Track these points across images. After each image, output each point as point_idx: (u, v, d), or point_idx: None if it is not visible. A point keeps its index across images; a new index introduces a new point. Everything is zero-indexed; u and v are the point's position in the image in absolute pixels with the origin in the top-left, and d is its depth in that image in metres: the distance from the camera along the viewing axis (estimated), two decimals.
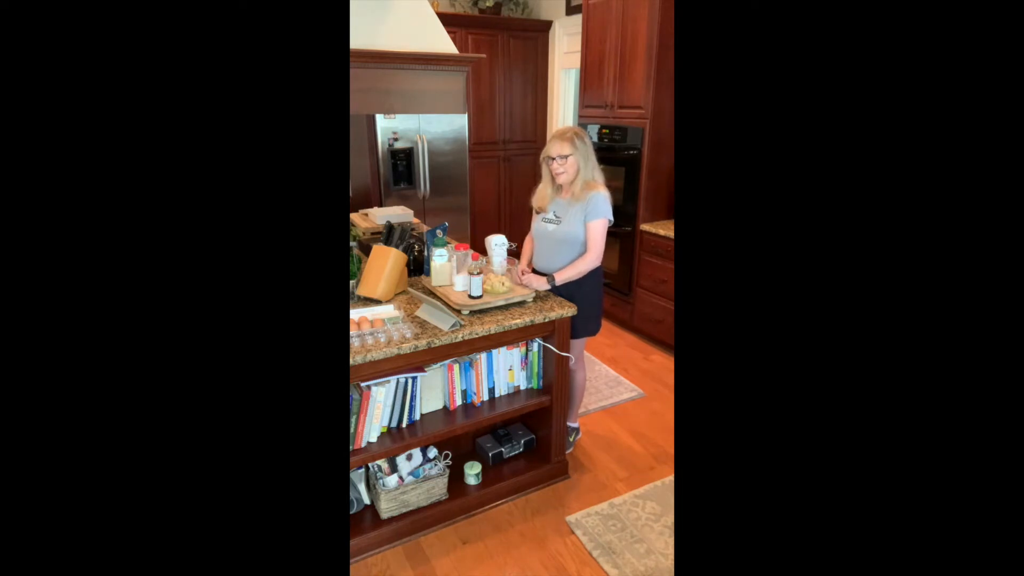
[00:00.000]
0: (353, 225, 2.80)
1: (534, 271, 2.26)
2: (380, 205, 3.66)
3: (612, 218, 2.11)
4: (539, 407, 2.19)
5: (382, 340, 1.75)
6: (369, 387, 1.82)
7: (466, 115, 3.89)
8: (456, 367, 2.03)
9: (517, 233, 4.10)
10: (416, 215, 3.28)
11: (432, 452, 2.11)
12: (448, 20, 4.20)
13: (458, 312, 1.96)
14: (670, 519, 2.08)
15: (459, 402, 2.09)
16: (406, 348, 1.74)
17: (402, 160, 3.75)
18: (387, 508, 1.97)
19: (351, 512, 1.99)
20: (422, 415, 2.01)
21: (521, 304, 2.07)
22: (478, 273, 1.98)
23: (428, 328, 1.87)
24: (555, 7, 4.83)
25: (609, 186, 2.18)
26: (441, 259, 2.10)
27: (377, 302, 2.07)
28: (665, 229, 3.33)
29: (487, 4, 4.76)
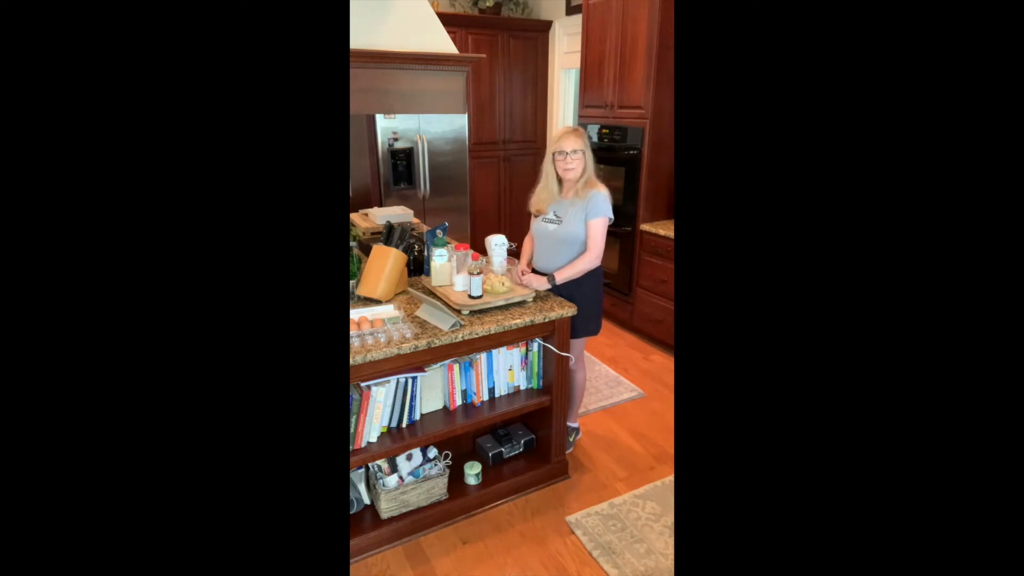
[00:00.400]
0: (353, 225, 2.80)
1: (534, 271, 2.26)
2: (380, 205, 3.66)
3: (612, 216, 2.12)
4: (539, 407, 2.19)
5: (382, 340, 1.75)
6: (369, 387, 1.82)
7: (466, 115, 3.89)
8: (456, 367, 2.03)
9: (517, 233, 4.09)
10: (416, 215, 3.28)
11: (432, 452, 2.11)
12: (448, 20, 4.20)
13: (458, 312, 1.96)
14: (670, 519, 2.08)
15: (459, 402, 2.09)
16: (406, 348, 1.74)
17: (402, 160, 3.75)
18: (387, 508, 1.97)
19: (351, 512, 1.99)
20: (422, 415, 2.01)
21: (521, 304, 2.07)
22: (478, 273, 1.98)
23: (428, 328, 1.87)
24: (555, 7, 4.82)
25: (609, 186, 2.18)
26: (441, 259, 2.10)
27: (377, 302, 2.07)
28: (665, 229, 3.33)
29: (487, 4, 4.76)
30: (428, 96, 3.65)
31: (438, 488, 2.05)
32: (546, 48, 4.96)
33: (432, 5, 4.15)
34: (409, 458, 2.05)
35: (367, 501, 2.04)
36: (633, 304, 3.66)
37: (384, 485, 1.96)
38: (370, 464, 2.01)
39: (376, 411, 1.85)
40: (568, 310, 2.06)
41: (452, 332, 1.84)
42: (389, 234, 2.21)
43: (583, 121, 3.84)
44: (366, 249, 2.42)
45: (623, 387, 3.05)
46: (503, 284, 2.06)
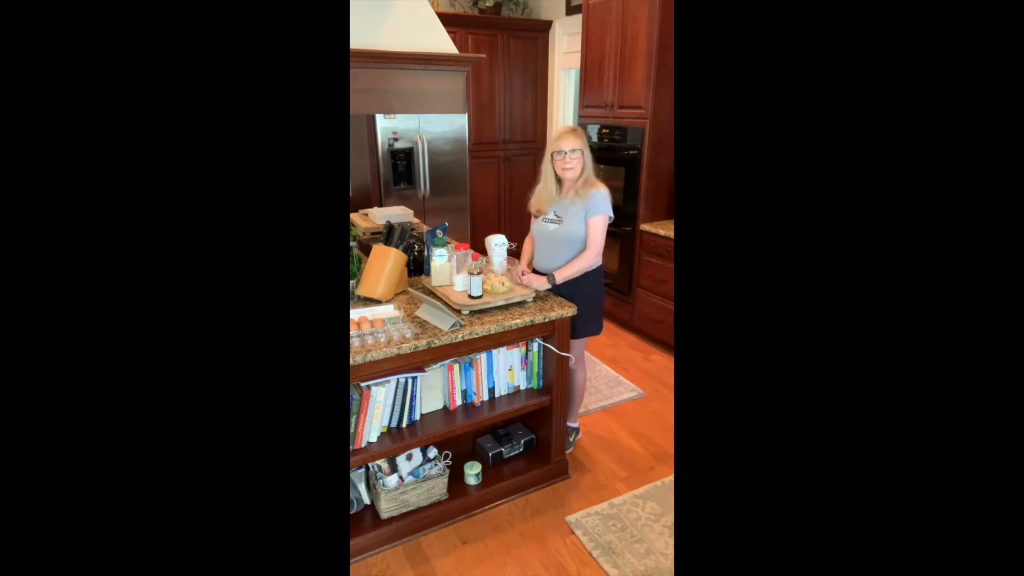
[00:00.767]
0: (353, 225, 2.80)
1: (534, 271, 2.26)
2: (380, 205, 3.66)
3: (612, 215, 2.12)
4: (539, 407, 2.19)
5: (382, 340, 1.75)
6: (369, 387, 1.82)
7: (466, 115, 3.89)
8: (456, 367, 2.03)
9: (517, 233, 4.10)
10: (416, 215, 3.28)
11: (432, 452, 2.11)
12: (448, 20, 4.20)
13: (458, 312, 1.96)
14: (670, 519, 2.08)
15: (459, 402, 2.09)
16: (406, 348, 1.74)
17: (402, 160, 3.75)
18: (387, 508, 1.97)
19: (351, 512, 1.99)
20: (422, 415, 2.01)
21: (521, 304, 2.07)
22: (478, 273, 1.98)
23: (428, 328, 1.87)
24: (555, 7, 4.82)
25: (609, 186, 2.18)
26: (441, 259, 2.10)
27: (377, 302, 2.07)
28: (665, 229, 3.33)
29: (487, 4, 4.76)
30: (428, 96, 3.65)
31: (438, 488, 2.05)
32: (546, 48, 4.96)
33: (432, 5, 4.15)
34: (409, 458, 2.05)
35: (367, 501, 2.04)
36: (633, 304, 3.66)
37: (384, 485, 1.96)
38: (370, 464, 2.01)
39: (376, 411, 1.85)
40: (568, 310, 2.06)
41: (452, 332, 1.84)
42: (389, 234, 2.21)
43: (583, 121, 3.84)
44: (366, 249, 2.42)
45: (623, 387, 3.05)
46: (503, 284, 2.06)
